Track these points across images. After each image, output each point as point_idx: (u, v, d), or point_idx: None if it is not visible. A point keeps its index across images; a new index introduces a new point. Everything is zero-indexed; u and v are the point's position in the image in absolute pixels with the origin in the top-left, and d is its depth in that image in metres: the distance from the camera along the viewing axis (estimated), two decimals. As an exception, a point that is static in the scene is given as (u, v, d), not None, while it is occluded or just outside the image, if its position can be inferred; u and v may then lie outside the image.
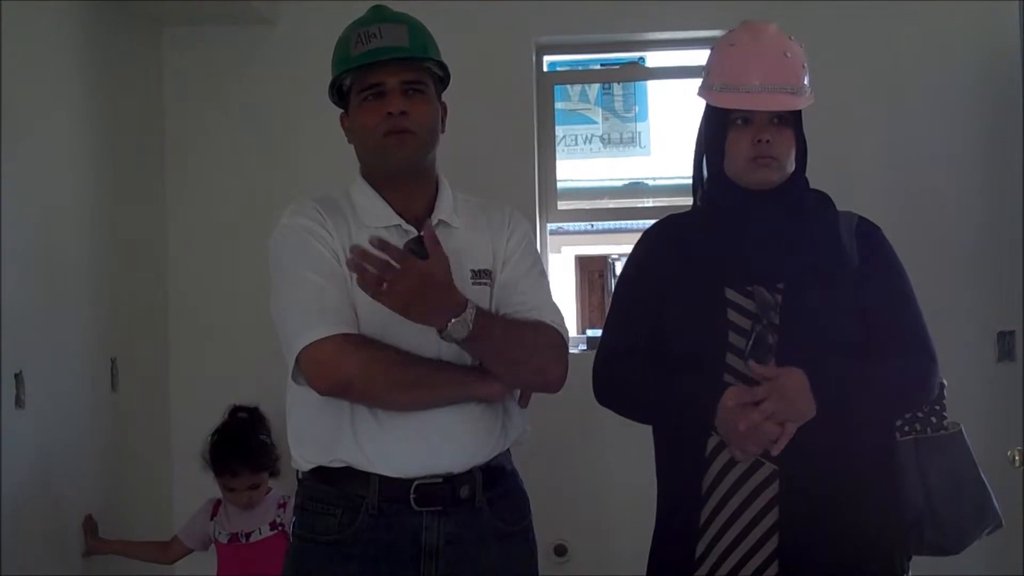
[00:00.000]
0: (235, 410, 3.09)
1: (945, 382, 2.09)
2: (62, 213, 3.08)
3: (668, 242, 2.17)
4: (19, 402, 2.75)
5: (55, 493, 2.96)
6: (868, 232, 2.12)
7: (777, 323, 2.00)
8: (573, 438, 3.58)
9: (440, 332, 1.82)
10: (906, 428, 2.07)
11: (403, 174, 2.02)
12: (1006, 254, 3.49)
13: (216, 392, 3.54)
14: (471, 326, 1.81)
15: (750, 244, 2.06)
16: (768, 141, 2.02)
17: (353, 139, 2.06)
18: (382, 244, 1.75)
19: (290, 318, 1.93)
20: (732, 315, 2.03)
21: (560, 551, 3.68)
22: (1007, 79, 3.29)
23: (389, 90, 1.97)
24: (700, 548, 2.03)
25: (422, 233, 1.96)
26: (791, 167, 2.07)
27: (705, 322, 2.04)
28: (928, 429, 2.05)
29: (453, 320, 1.80)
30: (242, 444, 2.97)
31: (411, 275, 1.75)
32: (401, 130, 1.96)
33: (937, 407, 2.07)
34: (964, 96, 3.62)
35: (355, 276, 1.77)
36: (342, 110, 2.09)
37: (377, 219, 2.01)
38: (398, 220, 2.01)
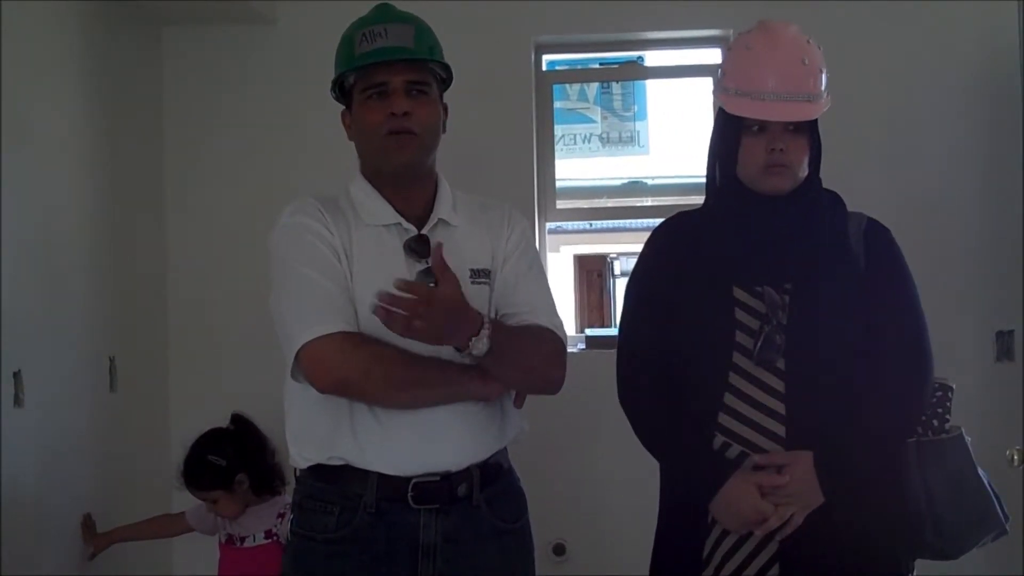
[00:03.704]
0: (213, 429, 3.10)
1: (954, 387, 2.07)
2: (62, 212, 3.08)
3: (677, 241, 2.17)
4: (18, 401, 2.75)
5: (54, 492, 2.96)
6: (876, 235, 2.10)
7: (785, 324, 2.00)
8: (572, 437, 3.58)
9: (460, 350, 1.82)
10: None
11: (403, 175, 2.02)
12: (1006, 253, 3.49)
13: (215, 391, 3.55)
14: (488, 341, 1.82)
15: (758, 244, 2.05)
16: (782, 150, 2.01)
17: (354, 137, 2.07)
18: (406, 285, 1.75)
19: (290, 316, 1.94)
20: (740, 315, 2.03)
21: (559, 550, 3.68)
22: (1007, 79, 3.30)
23: (393, 90, 1.98)
24: (706, 548, 2.03)
25: (423, 232, 1.98)
26: (804, 173, 2.05)
27: (712, 321, 2.04)
28: (929, 432, 2.04)
29: (474, 338, 1.81)
30: (186, 465, 3.01)
31: (435, 306, 1.75)
32: (404, 130, 1.97)
33: (940, 410, 2.05)
34: (964, 96, 3.62)
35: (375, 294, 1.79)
36: (344, 107, 2.10)
37: (377, 217, 2.02)
38: (398, 219, 2.02)
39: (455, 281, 1.80)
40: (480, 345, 1.82)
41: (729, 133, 2.08)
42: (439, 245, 1.83)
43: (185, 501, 3.16)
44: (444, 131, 2.09)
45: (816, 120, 2.06)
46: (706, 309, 2.06)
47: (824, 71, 2.04)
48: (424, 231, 2.01)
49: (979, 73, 3.59)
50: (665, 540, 2.16)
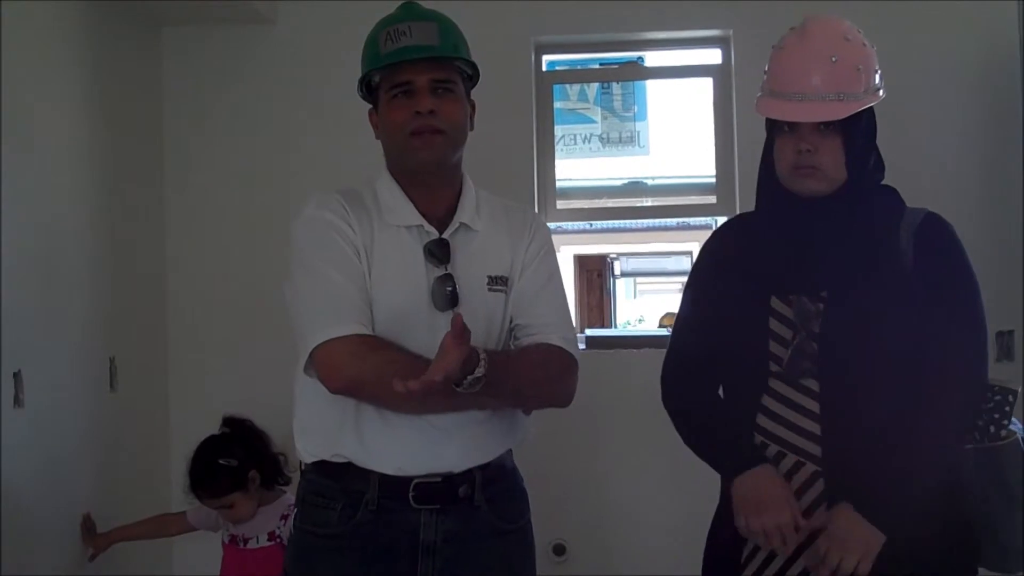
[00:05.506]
0: (211, 436, 3.09)
1: (1018, 391, 1.95)
2: (61, 212, 3.08)
3: (729, 244, 2.14)
4: (18, 401, 2.75)
5: (54, 492, 2.96)
6: (929, 232, 2.00)
7: (818, 332, 1.95)
8: (573, 437, 3.57)
9: (456, 385, 1.79)
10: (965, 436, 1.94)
11: (429, 173, 2.02)
12: (1005, 254, 3.49)
13: (214, 391, 3.55)
14: (484, 377, 1.79)
15: (796, 251, 1.99)
16: (809, 151, 1.94)
17: (381, 135, 2.06)
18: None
19: (306, 313, 1.94)
20: (774, 324, 1.99)
21: (559, 550, 3.68)
22: (1007, 79, 3.30)
23: (418, 88, 1.97)
24: (746, 551, 2.00)
25: (444, 236, 1.99)
26: (841, 175, 1.97)
27: (747, 331, 2.01)
28: (985, 439, 1.93)
29: (468, 376, 1.77)
30: (195, 471, 3.00)
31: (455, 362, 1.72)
32: (430, 129, 1.96)
33: (997, 415, 1.93)
34: (964, 96, 3.62)
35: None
36: (371, 106, 2.09)
37: (400, 218, 2.01)
38: (420, 220, 2.01)
39: (463, 351, 1.73)
40: (475, 383, 1.79)
41: (769, 134, 2.03)
42: (459, 316, 1.74)
43: (184, 500, 3.16)
44: (472, 128, 2.09)
45: (865, 119, 1.99)
46: (742, 319, 2.02)
47: (864, 68, 1.96)
48: (445, 235, 2.00)
49: (979, 73, 3.59)
50: (712, 542, 2.13)
